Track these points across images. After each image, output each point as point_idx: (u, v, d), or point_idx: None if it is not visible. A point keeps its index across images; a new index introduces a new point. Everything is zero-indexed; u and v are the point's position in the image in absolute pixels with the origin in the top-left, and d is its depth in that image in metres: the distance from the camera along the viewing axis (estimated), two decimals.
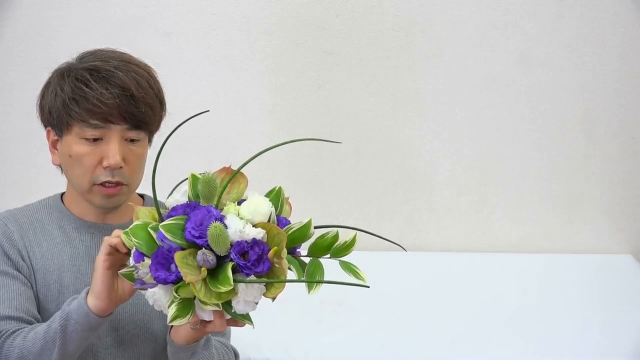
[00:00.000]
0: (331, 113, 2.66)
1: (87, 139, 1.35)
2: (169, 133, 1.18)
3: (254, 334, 2.02)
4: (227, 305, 1.12)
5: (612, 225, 2.75)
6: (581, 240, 2.75)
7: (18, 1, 2.57)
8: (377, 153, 2.69)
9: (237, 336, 1.53)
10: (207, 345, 1.35)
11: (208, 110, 1.34)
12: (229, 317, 1.16)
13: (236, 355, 1.50)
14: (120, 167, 1.36)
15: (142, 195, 1.54)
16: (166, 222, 1.11)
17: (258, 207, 1.13)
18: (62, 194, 1.50)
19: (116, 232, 1.23)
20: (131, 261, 1.16)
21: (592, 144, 2.69)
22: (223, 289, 1.07)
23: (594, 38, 2.61)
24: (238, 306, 1.12)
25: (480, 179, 2.72)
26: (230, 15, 2.59)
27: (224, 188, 1.17)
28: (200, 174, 1.18)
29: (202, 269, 1.08)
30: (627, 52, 2.62)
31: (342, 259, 1.20)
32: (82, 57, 1.41)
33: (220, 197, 1.16)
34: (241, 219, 1.12)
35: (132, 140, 1.38)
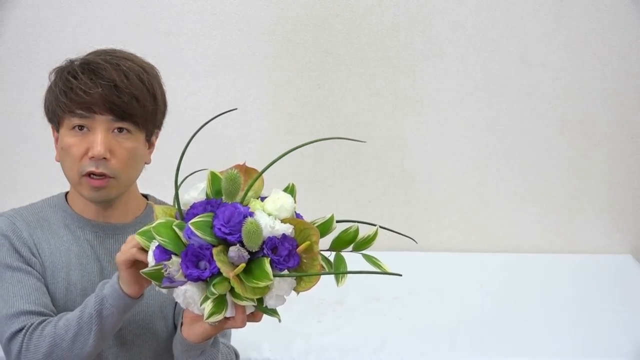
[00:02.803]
0: (331, 113, 2.66)
1: (74, 130, 1.37)
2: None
3: (254, 334, 2.02)
4: (259, 300, 1.14)
5: (612, 225, 2.75)
6: (581, 240, 2.75)
7: (18, 1, 2.57)
8: (377, 153, 2.69)
9: (238, 336, 1.53)
10: (216, 343, 1.36)
11: (236, 108, 1.35)
12: (248, 312, 1.17)
13: (237, 355, 1.50)
14: (105, 158, 1.36)
15: (145, 196, 1.54)
16: (195, 219, 1.12)
17: (284, 203, 1.15)
18: (67, 193, 1.50)
19: (128, 242, 1.23)
20: (151, 260, 1.16)
21: (592, 144, 2.69)
22: (262, 284, 1.09)
23: (594, 38, 2.61)
24: (270, 301, 1.13)
25: (480, 179, 2.72)
26: (230, 15, 2.59)
27: (251, 185, 1.18)
28: (220, 171, 1.19)
29: (242, 264, 1.09)
30: (627, 52, 2.62)
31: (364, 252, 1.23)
32: (87, 55, 1.43)
33: (246, 194, 1.17)
34: (269, 215, 1.13)
35: (120, 131, 1.38)
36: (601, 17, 2.59)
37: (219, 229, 1.10)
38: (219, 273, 1.10)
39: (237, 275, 1.10)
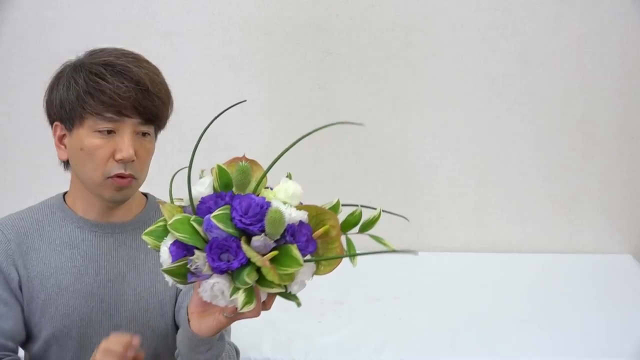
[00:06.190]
0: (331, 113, 2.66)
1: (100, 132, 1.36)
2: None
3: (254, 334, 2.02)
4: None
5: (612, 225, 2.75)
6: (581, 240, 2.75)
7: (18, 1, 2.57)
8: (377, 153, 2.69)
9: (238, 336, 1.53)
10: (221, 336, 1.36)
11: (245, 100, 1.38)
12: (262, 301, 1.18)
13: (237, 352, 1.51)
14: (132, 161, 1.37)
15: (145, 194, 1.54)
16: (216, 212, 1.12)
17: (295, 190, 1.18)
18: (65, 193, 1.50)
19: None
20: (167, 258, 1.16)
21: (592, 144, 2.69)
22: (291, 270, 1.11)
23: (594, 38, 2.61)
24: (294, 287, 1.15)
25: (480, 179, 2.72)
26: (230, 15, 2.59)
27: (264, 175, 1.20)
28: (224, 164, 1.21)
29: (272, 251, 1.11)
30: (627, 52, 2.62)
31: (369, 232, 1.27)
32: (92, 54, 1.42)
33: (258, 185, 1.19)
34: (284, 203, 1.15)
35: (143, 135, 1.40)
36: (601, 17, 2.59)
37: (240, 220, 1.11)
38: (247, 263, 1.11)
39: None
